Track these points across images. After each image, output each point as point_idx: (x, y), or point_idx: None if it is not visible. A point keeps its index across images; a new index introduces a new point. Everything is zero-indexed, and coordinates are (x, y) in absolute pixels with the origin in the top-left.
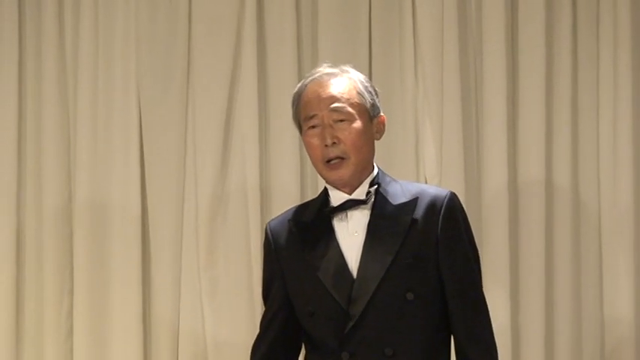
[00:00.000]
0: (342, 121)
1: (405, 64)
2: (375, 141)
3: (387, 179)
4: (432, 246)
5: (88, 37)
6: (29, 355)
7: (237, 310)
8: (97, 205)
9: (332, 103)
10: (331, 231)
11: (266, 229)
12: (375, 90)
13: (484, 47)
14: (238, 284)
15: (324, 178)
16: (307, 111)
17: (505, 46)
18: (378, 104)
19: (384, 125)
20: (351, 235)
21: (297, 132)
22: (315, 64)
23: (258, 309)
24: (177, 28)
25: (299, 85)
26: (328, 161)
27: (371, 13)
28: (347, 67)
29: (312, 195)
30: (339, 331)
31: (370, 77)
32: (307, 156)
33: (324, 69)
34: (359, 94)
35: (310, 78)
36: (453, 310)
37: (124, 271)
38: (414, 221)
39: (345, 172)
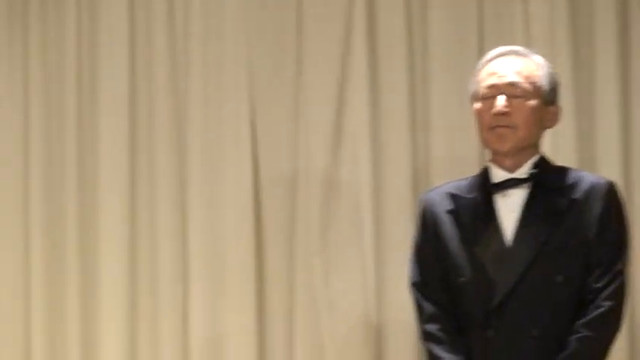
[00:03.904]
0: (517, 97)
1: None
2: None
3: (550, 164)
4: (586, 230)
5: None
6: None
7: (349, 295)
8: (209, 192)
9: (512, 78)
10: (490, 207)
11: (420, 200)
12: (557, 80)
13: (597, 47)
14: (350, 270)
15: (487, 146)
16: (486, 81)
17: (616, 46)
18: (557, 95)
19: (557, 116)
20: (509, 212)
21: (406, 121)
22: (425, 48)
23: (371, 293)
24: (287, 15)
25: (485, 57)
26: (493, 129)
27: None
28: (534, 53)
29: (423, 183)
30: (486, 307)
31: None
32: (421, 146)
33: (512, 47)
34: (540, 77)
35: (497, 52)
36: (591, 289)
37: (237, 255)
38: (571, 205)
39: (508, 141)
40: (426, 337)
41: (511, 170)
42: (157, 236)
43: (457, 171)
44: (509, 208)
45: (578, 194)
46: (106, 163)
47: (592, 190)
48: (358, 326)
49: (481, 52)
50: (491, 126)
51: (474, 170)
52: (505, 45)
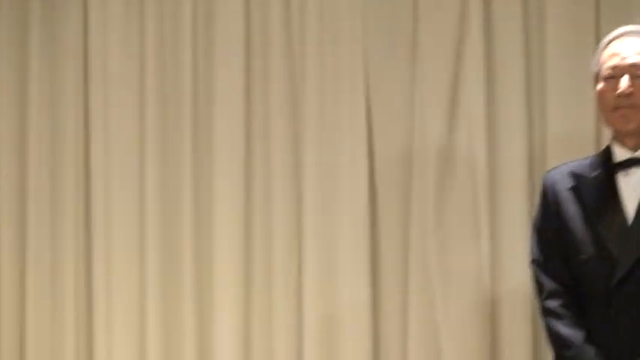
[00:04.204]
0: None
1: None
2: None
3: None
4: None
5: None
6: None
7: (463, 273)
8: (324, 173)
9: (634, 59)
10: (613, 186)
11: (543, 179)
12: None
13: None
14: (465, 248)
15: (610, 126)
16: (608, 62)
17: None
18: None
19: None
20: (631, 191)
21: (522, 98)
22: (542, 24)
23: (486, 267)
24: None
25: (606, 37)
26: (617, 109)
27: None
28: None
29: (539, 159)
30: (606, 285)
31: None
32: (536, 122)
33: (634, 27)
34: None
35: (618, 32)
36: None
37: (352, 233)
38: None
39: (632, 121)
40: (547, 313)
41: (634, 150)
42: (272, 213)
43: (573, 148)
44: (632, 187)
45: None
46: (221, 146)
47: None
48: (473, 304)
49: (598, 29)
50: (614, 107)
51: (590, 146)
52: (623, 23)
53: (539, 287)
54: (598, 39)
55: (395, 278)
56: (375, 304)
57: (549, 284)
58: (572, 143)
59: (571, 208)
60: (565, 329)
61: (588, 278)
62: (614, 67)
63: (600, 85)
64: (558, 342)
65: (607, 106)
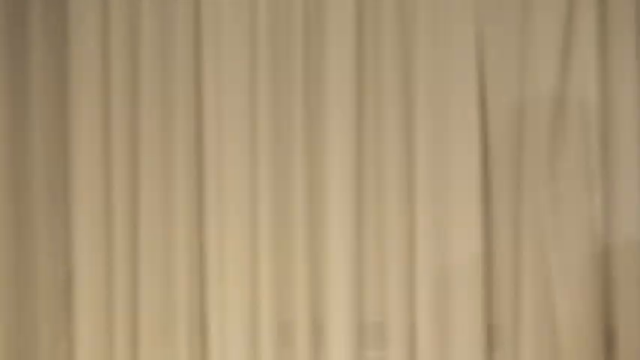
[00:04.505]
0: None
1: None
2: None
3: None
4: None
5: None
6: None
7: (576, 226)
8: (435, 125)
9: None
10: None
11: None
12: None
13: None
14: (578, 200)
15: None
16: None
17: None
18: None
19: None
20: None
21: (632, 48)
22: None
23: (599, 218)
24: None
25: None
26: None
27: None
28: None
29: None
30: None
31: None
32: None
33: None
34: None
35: None
36: None
37: (463, 186)
38: None
39: None
40: None
41: None
42: (384, 165)
43: None
44: None
45: None
46: (332, 97)
47: None
48: (586, 255)
49: None
50: None
51: None
52: None
53: None
54: None
55: (507, 230)
56: (488, 256)
57: None
58: None
59: None
60: None
61: None
62: None
63: None
64: None
65: None
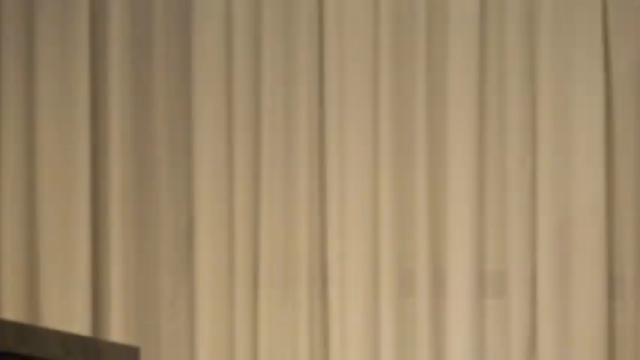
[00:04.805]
0: None
1: None
2: None
3: None
4: None
5: None
6: None
7: None
8: (559, 77)
9: None
10: None
11: None
12: None
13: None
14: None
15: None
16: None
17: None
18: None
19: None
20: None
21: None
22: None
23: None
24: None
25: None
26: None
27: None
28: None
29: None
30: None
31: None
32: None
33: None
34: None
35: None
36: None
37: (586, 132)
38: None
39: None
40: None
41: None
42: (505, 116)
43: None
44: None
45: None
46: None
47: None
48: None
49: None
50: None
51: None
52: None
53: None
54: None
55: (630, 181)
56: (610, 207)
57: None
58: None
59: None
60: None
61: None
62: None
63: None
64: None
65: None
